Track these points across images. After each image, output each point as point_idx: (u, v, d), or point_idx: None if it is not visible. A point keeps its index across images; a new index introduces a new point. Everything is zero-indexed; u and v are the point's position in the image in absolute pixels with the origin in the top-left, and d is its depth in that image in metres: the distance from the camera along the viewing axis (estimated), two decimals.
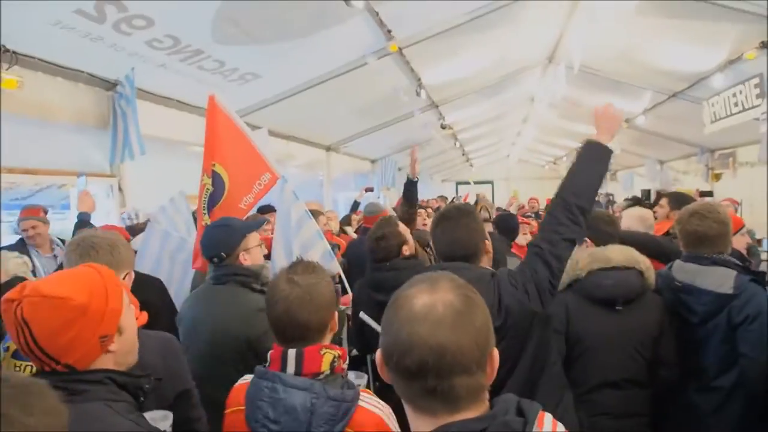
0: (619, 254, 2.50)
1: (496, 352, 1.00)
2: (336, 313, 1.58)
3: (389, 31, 4.95)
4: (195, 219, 3.85)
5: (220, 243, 2.34)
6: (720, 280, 2.37)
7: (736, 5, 4.49)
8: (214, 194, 2.77)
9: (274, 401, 1.41)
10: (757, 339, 2.23)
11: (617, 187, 15.27)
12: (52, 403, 0.92)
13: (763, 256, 6.04)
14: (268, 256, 2.83)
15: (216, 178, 2.76)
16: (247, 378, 1.57)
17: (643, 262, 2.52)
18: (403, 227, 2.94)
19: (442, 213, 2.19)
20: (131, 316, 1.38)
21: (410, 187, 3.65)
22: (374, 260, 2.90)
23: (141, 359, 1.40)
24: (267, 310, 1.52)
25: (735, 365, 2.33)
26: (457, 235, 2.07)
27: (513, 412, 0.96)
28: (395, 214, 5.01)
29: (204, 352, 2.18)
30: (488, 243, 2.13)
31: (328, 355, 1.48)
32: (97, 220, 4.43)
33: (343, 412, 1.40)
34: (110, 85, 4.12)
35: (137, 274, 3.11)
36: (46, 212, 3.95)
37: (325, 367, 1.46)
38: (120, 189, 4.32)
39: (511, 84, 8.65)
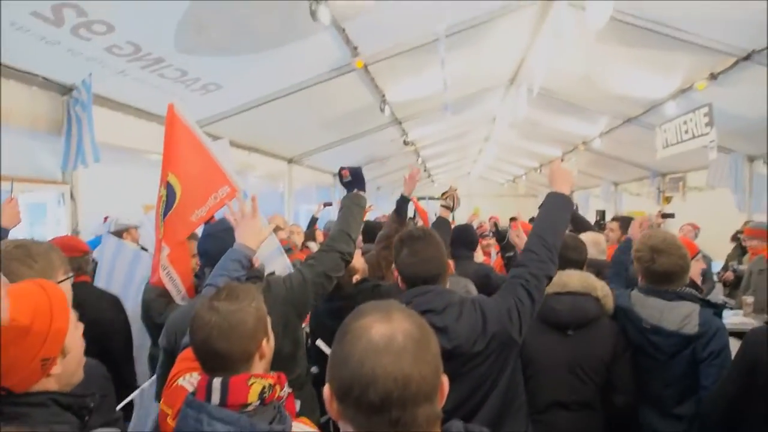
0: (575, 280, 2.54)
1: (445, 378, 1.00)
2: (265, 341, 1.51)
3: (355, 48, 4.97)
4: None
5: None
6: (685, 319, 2.40)
7: (689, 37, 4.69)
8: (167, 205, 2.66)
9: None
10: (719, 372, 2.30)
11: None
12: None
13: (714, 278, 6.28)
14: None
15: (169, 189, 2.65)
16: (184, 383, 1.54)
17: (601, 289, 2.58)
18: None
19: (406, 235, 2.17)
20: (77, 335, 1.31)
21: (403, 204, 3.69)
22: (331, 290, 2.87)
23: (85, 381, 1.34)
24: (190, 338, 1.45)
25: (695, 394, 2.38)
26: (424, 257, 2.06)
27: None
28: None
29: None
30: (451, 263, 2.15)
31: (257, 385, 1.39)
32: (48, 230, 4.28)
33: None
34: (66, 90, 3.98)
35: (93, 289, 3.01)
36: None
37: (252, 398, 1.37)
38: (72, 197, 4.17)
39: (474, 103, 8.79)
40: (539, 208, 2.26)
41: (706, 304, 2.45)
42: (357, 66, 5.23)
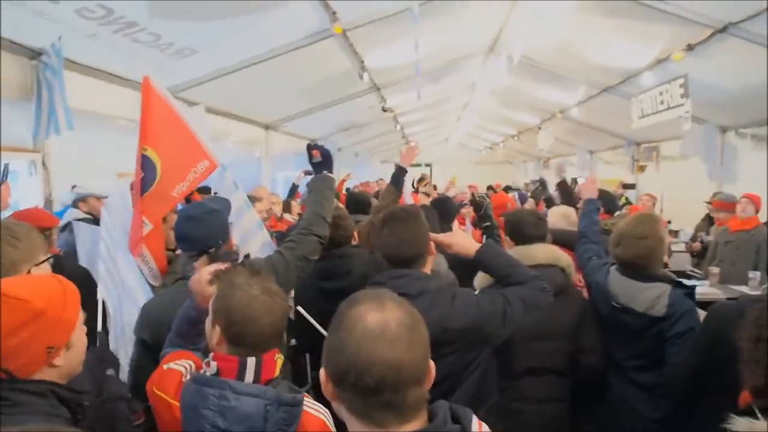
0: (542, 252, 2.64)
1: (432, 364, 1.08)
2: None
3: (334, 13, 4.88)
4: None
5: (219, 230, 2.21)
6: (654, 300, 2.48)
7: (668, 8, 4.70)
8: (145, 180, 2.61)
9: (223, 410, 1.36)
10: (680, 351, 2.39)
11: (550, 175, 15.79)
12: None
13: (681, 246, 6.45)
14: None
15: (147, 163, 2.59)
16: (172, 366, 1.54)
17: (565, 260, 2.70)
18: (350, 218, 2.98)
19: (389, 214, 2.16)
20: (82, 334, 1.35)
21: (401, 174, 3.76)
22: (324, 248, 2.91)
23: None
24: (239, 325, 1.45)
25: (660, 367, 2.48)
26: (404, 237, 2.07)
27: (449, 420, 1.05)
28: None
29: None
30: (432, 245, 2.17)
31: (279, 360, 1.48)
32: (19, 199, 4.18)
33: (294, 416, 1.39)
34: (34, 54, 3.84)
35: (63, 261, 2.97)
36: None
37: (277, 372, 1.45)
38: (44, 165, 4.07)
39: (453, 70, 8.74)
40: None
41: (678, 285, 2.52)
42: (336, 31, 5.14)
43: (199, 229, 2.17)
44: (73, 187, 4.35)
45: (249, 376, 1.42)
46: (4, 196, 2.44)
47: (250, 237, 2.71)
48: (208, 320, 1.53)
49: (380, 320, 1.02)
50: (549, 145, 11.65)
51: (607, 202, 4.74)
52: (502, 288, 2.11)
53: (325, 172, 2.64)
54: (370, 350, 0.99)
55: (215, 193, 3.38)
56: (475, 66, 8.97)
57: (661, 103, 6.25)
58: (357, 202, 4.48)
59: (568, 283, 2.68)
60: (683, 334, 2.40)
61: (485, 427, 1.15)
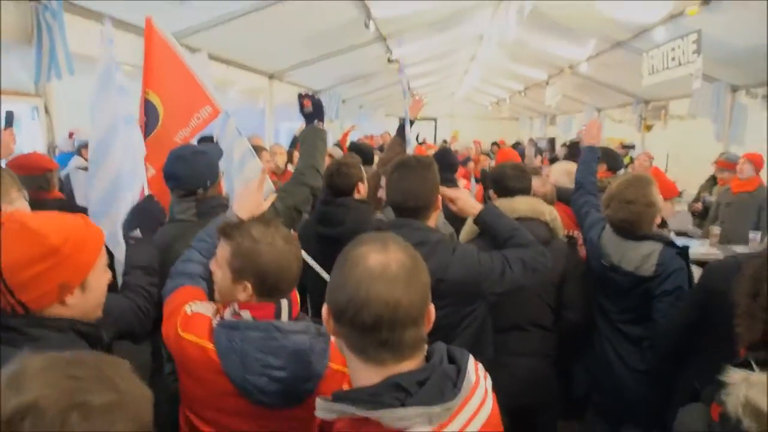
0: (524, 205, 2.63)
1: (432, 308, 1.11)
2: None
3: None
4: None
5: (207, 171, 2.21)
6: (644, 259, 2.50)
7: None
8: (147, 125, 2.60)
9: (273, 349, 1.43)
10: (668, 309, 2.43)
11: (557, 131, 15.66)
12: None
13: (684, 206, 6.45)
14: None
15: (149, 107, 2.58)
16: (199, 310, 1.57)
17: (549, 213, 2.69)
18: (362, 168, 2.98)
19: (401, 161, 2.16)
20: (103, 279, 1.37)
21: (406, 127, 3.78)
22: (327, 193, 2.93)
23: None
24: (255, 275, 1.49)
25: (648, 321, 2.53)
26: (412, 186, 2.07)
27: (446, 360, 1.09)
28: (336, 150, 4.98)
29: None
30: (440, 199, 2.17)
31: (297, 296, 1.57)
32: (23, 143, 4.17)
33: (328, 345, 1.47)
34: None
35: (63, 204, 2.98)
36: None
37: (298, 307, 1.54)
38: (47, 111, 4.04)
39: (461, 20, 8.53)
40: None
41: (670, 244, 2.54)
42: None
43: (187, 169, 2.19)
44: (71, 134, 4.31)
45: (284, 317, 1.51)
46: (7, 141, 2.44)
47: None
48: (225, 277, 1.54)
49: (381, 260, 1.04)
50: (556, 102, 11.48)
51: (611, 159, 4.71)
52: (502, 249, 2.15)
53: (316, 121, 2.62)
54: (369, 288, 1.02)
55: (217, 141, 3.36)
56: (485, 16, 8.75)
57: (673, 59, 6.12)
58: (360, 153, 4.47)
59: (551, 237, 2.68)
60: (671, 293, 2.44)
61: (481, 368, 1.19)
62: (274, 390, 1.43)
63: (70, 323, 1.27)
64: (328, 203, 2.91)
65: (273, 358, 1.42)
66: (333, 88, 10.56)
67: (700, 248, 4.88)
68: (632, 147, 8.76)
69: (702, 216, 6.14)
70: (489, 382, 1.19)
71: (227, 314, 1.53)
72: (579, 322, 2.70)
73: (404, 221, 2.08)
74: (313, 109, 2.61)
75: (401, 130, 3.78)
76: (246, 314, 1.49)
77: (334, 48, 7.87)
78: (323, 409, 1.04)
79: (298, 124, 7.26)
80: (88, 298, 1.33)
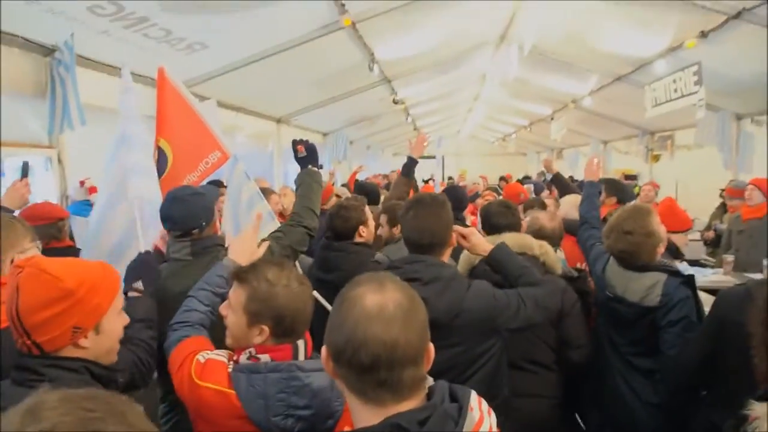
0: (510, 241, 2.58)
1: (431, 346, 1.10)
2: None
3: (343, 5, 4.88)
4: None
5: (202, 212, 2.25)
6: (648, 290, 2.48)
7: None
8: (158, 170, 2.66)
9: (297, 389, 1.43)
10: (675, 340, 2.39)
11: (563, 165, 15.71)
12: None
13: (696, 235, 6.39)
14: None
15: (160, 155, 2.65)
16: (215, 358, 1.56)
17: (539, 247, 2.66)
18: (366, 210, 2.98)
19: (416, 199, 2.20)
20: (117, 323, 1.41)
21: (411, 165, 3.86)
22: (327, 237, 2.94)
23: None
24: (272, 318, 1.51)
25: (656, 354, 2.48)
26: (428, 224, 2.09)
27: (448, 399, 1.07)
28: (344, 190, 5.02)
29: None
30: (454, 236, 2.18)
31: (309, 336, 1.58)
32: (36, 193, 4.24)
33: None
34: (48, 51, 3.89)
35: (76, 252, 3.01)
36: None
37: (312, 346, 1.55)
38: (59, 161, 4.13)
39: (463, 61, 8.70)
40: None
41: (675, 274, 2.51)
42: (345, 24, 5.14)
43: (182, 210, 2.23)
44: (82, 183, 4.38)
45: (302, 356, 1.51)
46: (22, 192, 2.50)
47: (262, 227, 2.73)
48: (240, 322, 1.54)
49: (378, 301, 1.04)
50: (562, 136, 11.56)
51: (620, 192, 4.71)
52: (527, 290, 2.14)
53: (310, 166, 2.67)
54: (366, 328, 1.01)
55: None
56: (486, 57, 8.92)
57: (675, 91, 6.18)
58: (366, 193, 4.50)
59: (543, 271, 2.60)
60: (677, 323, 2.40)
61: (485, 405, 1.16)
62: (300, 429, 1.42)
63: (84, 364, 1.30)
64: (327, 248, 2.94)
65: (297, 398, 1.43)
66: (340, 130, 10.73)
67: (714, 277, 4.81)
68: (635, 178, 8.74)
69: (715, 244, 6.07)
70: (494, 419, 1.17)
71: (243, 359, 1.52)
72: (581, 362, 2.62)
73: (418, 257, 2.09)
74: (306, 153, 2.66)
75: (406, 169, 3.82)
76: (265, 357, 1.49)
77: (340, 91, 8.03)
78: None
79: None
80: (102, 341, 1.36)
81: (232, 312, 1.57)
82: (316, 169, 2.69)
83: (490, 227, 2.79)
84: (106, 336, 1.37)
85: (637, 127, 10.29)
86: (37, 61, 3.89)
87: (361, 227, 2.92)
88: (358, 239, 2.92)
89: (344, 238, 2.91)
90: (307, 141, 2.68)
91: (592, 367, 2.68)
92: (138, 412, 0.74)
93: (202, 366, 1.54)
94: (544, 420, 2.54)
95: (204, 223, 2.25)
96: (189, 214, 2.22)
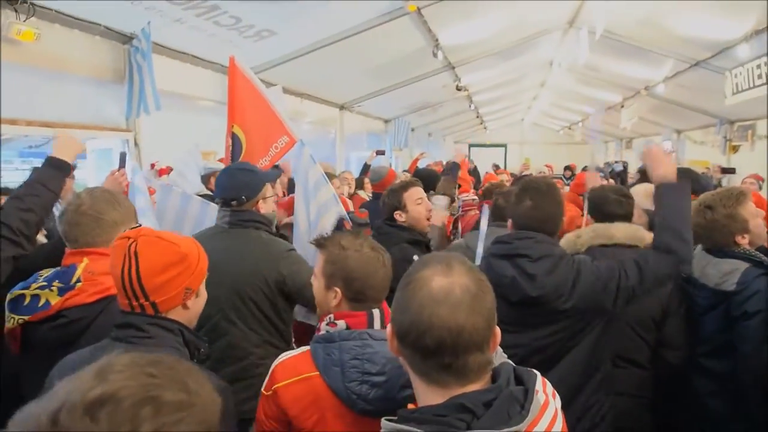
0: (622, 232, 2.46)
1: (497, 330, 1.08)
2: None
3: None
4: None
5: (244, 186, 2.36)
6: (725, 276, 2.31)
7: None
8: (233, 155, 2.79)
9: (370, 356, 1.46)
10: (751, 336, 2.20)
11: (631, 156, 15.11)
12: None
13: None
14: None
15: (235, 140, 2.77)
16: (292, 354, 1.59)
17: (649, 240, 2.39)
18: (406, 195, 2.95)
19: (532, 185, 2.12)
20: (205, 290, 1.54)
21: (454, 170, 4.09)
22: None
23: None
24: (343, 279, 1.56)
25: (731, 352, 2.30)
26: (546, 213, 2.06)
27: (513, 381, 1.05)
28: (405, 176, 5.03)
29: (229, 293, 2.23)
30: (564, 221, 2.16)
31: (388, 308, 1.58)
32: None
33: None
34: (126, 39, 4.08)
35: None
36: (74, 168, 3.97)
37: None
38: (136, 144, 4.34)
39: (530, 47, 8.49)
40: (657, 203, 2.10)
41: (757, 264, 2.31)
42: (409, 9, 5.12)
43: (226, 181, 2.39)
44: (152, 165, 4.53)
45: (377, 325, 1.54)
46: (120, 181, 2.66)
47: (326, 210, 2.79)
48: (320, 286, 1.63)
49: (445, 284, 1.03)
50: (632, 124, 11.10)
51: (693, 182, 4.47)
52: (629, 259, 2.04)
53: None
54: (431, 313, 1.00)
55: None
56: (553, 42, 8.67)
57: (759, 77, 5.81)
58: (422, 180, 4.48)
59: None
60: (753, 315, 2.19)
61: (550, 387, 1.14)
62: (377, 396, 1.45)
63: (180, 327, 1.43)
64: (376, 228, 3.01)
65: (370, 364, 1.45)
66: (402, 116, 10.72)
67: None
68: (732, 171, 8.09)
69: None
70: (558, 402, 1.14)
71: (323, 326, 1.58)
72: (678, 364, 2.44)
73: (527, 233, 2.03)
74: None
75: (452, 169, 3.84)
76: (341, 323, 1.54)
77: (403, 78, 8.02)
78: (388, 430, 1.01)
79: (368, 153, 7.40)
80: (198, 304, 1.51)
81: (315, 278, 1.66)
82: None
83: (602, 215, 2.63)
84: (200, 300, 1.51)
85: (715, 116, 9.73)
86: (116, 49, 4.08)
87: (396, 212, 2.92)
88: (398, 221, 2.92)
89: (387, 219, 2.97)
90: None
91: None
92: (200, 378, 0.76)
93: (281, 368, 1.56)
94: (633, 419, 2.43)
95: (244, 198, 2.34)
96: (230, 186, 2.36)
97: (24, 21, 3.22)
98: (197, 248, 1.48)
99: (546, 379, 1.12)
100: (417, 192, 2.97)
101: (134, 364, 0.72)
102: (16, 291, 1.74)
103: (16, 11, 3.20)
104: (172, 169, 4.32)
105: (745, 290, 2.24)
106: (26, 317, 1.67)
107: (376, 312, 1.56)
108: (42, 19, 3.38)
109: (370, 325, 1.54)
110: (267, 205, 2.45)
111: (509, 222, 2.15)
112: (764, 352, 2.14)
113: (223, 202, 2.39)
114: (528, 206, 2.05)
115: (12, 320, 1.72)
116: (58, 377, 1.32)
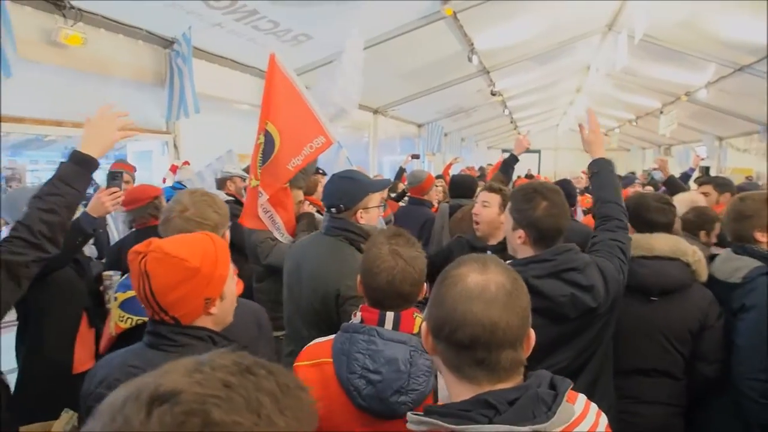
0: (663, 243, 2.36)
1: (532, 332, 1.08)
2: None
3: None
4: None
5: (342, 194, 2.33)
6: (735, 271, 2.32)
7: None
8: (265, 153, 2.77)
9: (372, 353, 1.48)
10: (747, 329, 2.14)
11: (672, 163, 14.73)
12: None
13: None
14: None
15: (267, 137, 2.76)
16: (321, 340, 1.64)
17: (692, 254, 2.38)
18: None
19: (542, 187, 2.08)
20: (233, 284, 1.52)
21: (512, 162, 3.94)
22: None
23: (236, 326, 1.55)
24: (366, 278, 1.58)
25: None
26: (563, 210, 2.02)
27: (546, 386, 1.06)
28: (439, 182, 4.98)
29: (303, 294, 2.27)
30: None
31: (418, 318, 1.57)
32: (153, 176, 4.58)
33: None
34: (168, 43, 4.19)
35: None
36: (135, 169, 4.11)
37: (416, 329, 1.54)
38: (175, 146, 4.44)
39: (566, 51, 8.38)
40: (591, 176, 2.44)
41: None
42: (446, 14, 5.12)
43: (329, 187, 2.41)
44: (183, 164, 4.58)
45: (388, 326, 1.53)
46: (104, 201, 2.56)
47: None
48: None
49: (480, 281, 1.04)
50: (671, 131, 10.83)
51: (730, 187, 4.36)
52: (610, 243, 2.11)
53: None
54: (466, 308, 1.02)
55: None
56: (590, 46, 8.54)
57: None
58: (459, 186, 4.46)
59: (691, 280, 2.37)
60: (749, 309, 2.15)
61: (594, 407, 1.12)
62: (369, 394, 1.46)
63: (209, 333, 1.42)
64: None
65: (370, 361, 1.47)
66: (435, 121, 10.70)
67: None
68: None
69: None
70: (604, 420, 1.12)
71: (358, 313, 1.61)
72: (714, 377, 2.34)
73: (566, 246, 1.99)
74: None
75: (505, 167, 3.79)
76: (359, 316, 1.57)
77: (437, 82, 8.00)
78: (414, 422, 1.04)
79: (401, 158, 7.41)
80: (226, 305, 1.48)
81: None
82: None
83: (643, 224, 2.48)
84: (229, 300, 1.48)
85: (759, 122, 9.44)
86: (158, 53, 4.20)
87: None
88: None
89: None
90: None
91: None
92: (290, 405, 0.66)
93: (299, 355, 1.63)
94: (665, 428, 2.37)
95: (342, 206, 2.32)
96: (330, 193, 2.37)
97: (72, 26, 3.34)
98: (213, 255, 1.42)
99: (590, 401, 1.11)
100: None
101: (223, 367, 0.67)
102: (130, 292, 1.80)
103: (64, 16, 3.32)
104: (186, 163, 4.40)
105: (747, 284, 2.23)
106: (146, 318, 1.63)
107: (388, 314, 1.54)
108: (88, 23, 3.50)
109: (381, 324, 1.54)
110: (369, 215, 2.37)
111: (522, 232, 2.02)
112: (757, 346, 2.08)
113: (326, 208, 2.39)
114: (545, 206, 1.99)
115: (130, 321, 1.80)
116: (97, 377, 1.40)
